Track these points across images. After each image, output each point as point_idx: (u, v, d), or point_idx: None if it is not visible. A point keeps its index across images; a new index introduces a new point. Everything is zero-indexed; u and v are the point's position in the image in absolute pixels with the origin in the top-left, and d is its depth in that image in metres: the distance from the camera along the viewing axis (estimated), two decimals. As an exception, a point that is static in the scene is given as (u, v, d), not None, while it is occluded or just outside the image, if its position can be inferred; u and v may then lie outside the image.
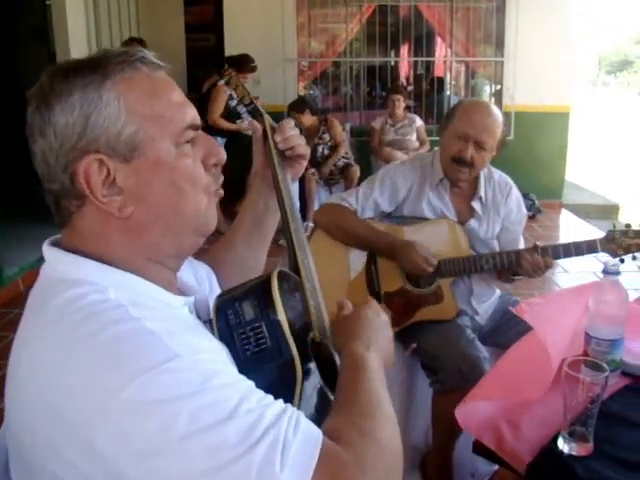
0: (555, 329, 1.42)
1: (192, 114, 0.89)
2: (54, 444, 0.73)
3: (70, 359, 0.73)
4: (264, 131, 1.16)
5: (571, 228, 6.78)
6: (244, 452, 0.68)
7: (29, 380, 0.76)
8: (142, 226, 0.86)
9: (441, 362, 2.14)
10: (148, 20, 7.23)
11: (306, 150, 1.17)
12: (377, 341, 0.99)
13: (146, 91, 0.84)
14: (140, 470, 0.69)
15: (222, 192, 0.96)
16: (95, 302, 0.77)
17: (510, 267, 2.26)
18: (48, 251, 0.88)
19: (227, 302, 0.93)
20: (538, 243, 2.22)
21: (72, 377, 0.72)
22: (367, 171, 6.24)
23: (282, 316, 0.90)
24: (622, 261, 2.12)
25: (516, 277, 2.37)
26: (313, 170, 6.12)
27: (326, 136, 6.29)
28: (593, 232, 6.41)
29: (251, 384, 0.78)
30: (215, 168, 0.94)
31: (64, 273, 0.84)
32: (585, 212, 7.42)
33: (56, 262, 0.86)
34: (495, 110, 2.32)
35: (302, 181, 5.99)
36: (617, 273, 1.42)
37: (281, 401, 0.77)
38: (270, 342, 0.89)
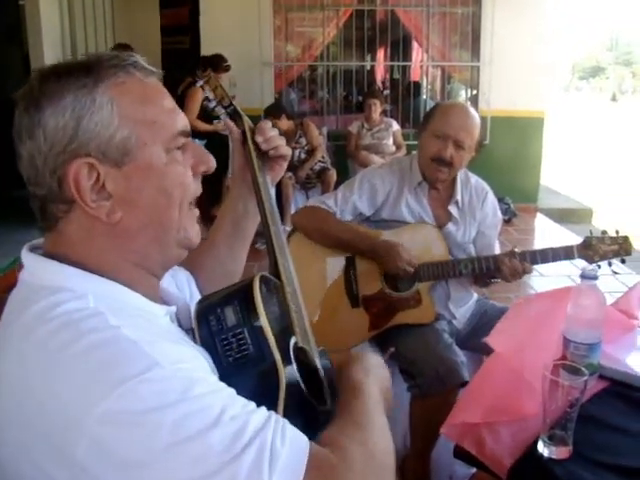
0: (530, 350, 1.43)
1: (183, 121, 0.89)
2: (32, 458, 0.71)
3: (44, 373, 0.71)
4: (243, 133, 1.16)
5: (546, 232, 6.84)
6: (230, 460, 0.67)
7: (3, 395, 0.74)
8: (130, 232, 0.85)
9: (419, 366, 2.14)
10: (123, 22, 7.18)
11: (288, 150, 1.17)
12: (376, 373, 1.00)
13: (139, 96, 0.84)
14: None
15: (197, 211, 0.96)
16: (71, 310, 0.76)
17: (488, 272, 2.27)
18: (27, 257, 0.86)
19: (208, 308, 0.92)
20: (516, 249, 2.24)
21: (46, 391, 0.70)
22: (344, 175, 6.24)
23: (264, 322, 0.88)
24: (599, 267, 2.14)
25: (493, 281, 2.39)
26: (290, 174, 6.11)
27: (302, 140, 6.28)
28: (567, 236, 6.49)
29: (233, 391, 0.76)
30: (201, 176, 0.94)
31: (42, 279, 0.82)
32: (560, 216, 7.50)
33: (35, 268, 0.84)
34: (472, 111, 2.34)
35: (279, 185, 5.97)
36: (595, 277, 1.43)
37: (264, 408, 0.76)
38: (252, 348, 0.87)
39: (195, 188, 0.93)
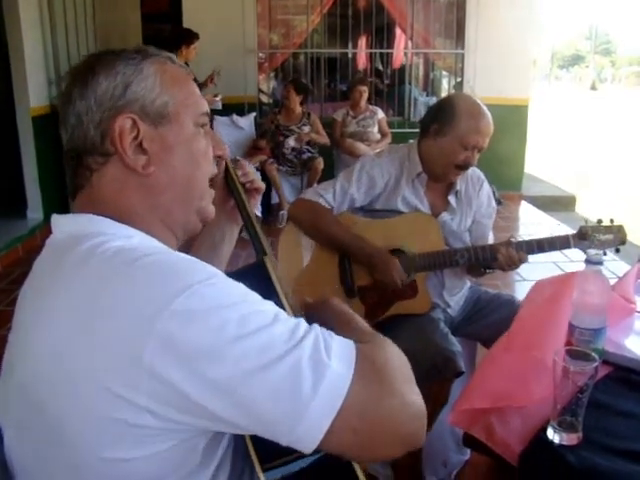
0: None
1: (206, 106, 1.02)
2: (97, 379, 0.74)
3: (109, 283, 0.76)
4: (226, 167, 1.25)
5: (530, 219, 6.88)
6: (293, 347, 0.76)
7: (58, 323, 0.77)
8: (159, 187, 0.94)
9: (415, 356, 2.11)
10: (104, 8, 7.05)
11: (262, 185, 1.32)
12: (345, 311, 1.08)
13: (177, 76, 0.97)
14: (188, 377, 0.72)
15: (213, 192, 1.06)
16: (123, 245, 0.82)
17: (485, 261, 2.26)
18: (57, 219, 0.93)
19: None
20: (512, 239, 2.23)
21: (113, 299, 0.75)
22: (329, 162, 6.23)
23: (284, 300, 0.96)
24: (605, 253, 2.15)
25: (488, 271, 2.38)
26: (272, 160, 6.10)
27: (305, 128, 6.26)
28: (552, 223, 6.54)
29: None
30: (215, 160, 1.07)
31: (80, 230, 0.87)
32: (543, 203, 7.55)
33: (69, 223, 0.91)
34: (486, 108, 2.31)
35: (263, 171, 5.95)
36: (599, 263, 1.42)
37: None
38: None
39: (213, 168, 1.05)
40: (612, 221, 2.19)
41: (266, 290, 0.92)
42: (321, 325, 1.03)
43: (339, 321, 1.00)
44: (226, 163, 1.24)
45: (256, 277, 0.98)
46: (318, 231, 2.32)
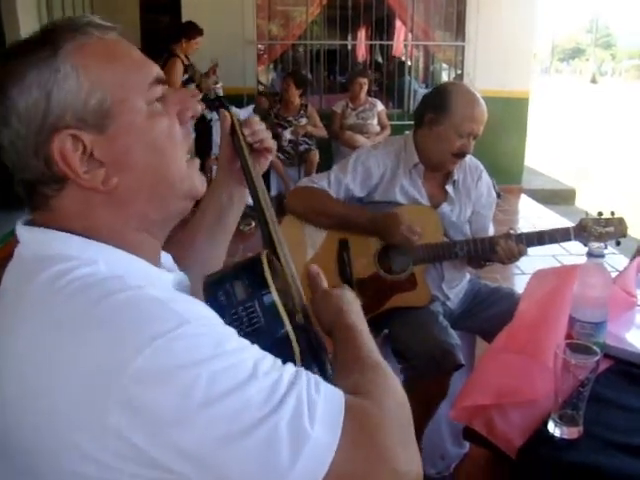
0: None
1: (154, 68, 0.86)
2: (59, 434, 0.68)
3: (67, 336, 0.68)
4: (232, 125, 1.15)
5: (530, 212, 6.87)
6: (270, 412, 0.67)
7: (20, 371, 0.70)
8: (128, 196, 0.82)
9: (414, 349, 2.12)
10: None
11: (273, 144, 1.19)
12: (355, 309, 1.03)
13: (102, 55, 0.80)
14: (155, 443, 0.66)
15: (198, 161, 0.94)
16: (87, 274, 0.73)
17: (484, 253, 2.25)
18: (23, 230, 0.82)
19: (217, 283, 0.91)
20: (512, 231, 2.21)
21: (70, 357, 0.67)
22: (327, 155, 6.21)
23: (275, 295, 0.88)
24: (605, 246, 2.13)
25: (487, 263, 2.37)
26: None
27: (302, 120, 6.23)
28: (551, 216, 6.53)
29: (257, 347, 0.76)
30: (190, 122, 0.92)
31: (43, 249, 0.78)
32: (543, 197, 7.54)
33: (33, 239, 0.81)
34: (479, 95, 2.31)
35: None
36: (601, 256, 1.41)
37: (292, 364, 0.76)
38: (264, 320, 0.87)
39: (186, 136, 0.90)
40: (613, 214, 2.17)
41: (259, 288, 0.89)
42: (326, 329, 1.00)
43: (341, 340, 0.94)
44: (232, 120, 1.14)
45: (253, 273, 0.92)
46: (318, 212, 2.30)
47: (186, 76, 5.85)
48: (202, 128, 5.40)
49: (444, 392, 2.10)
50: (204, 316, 0.75)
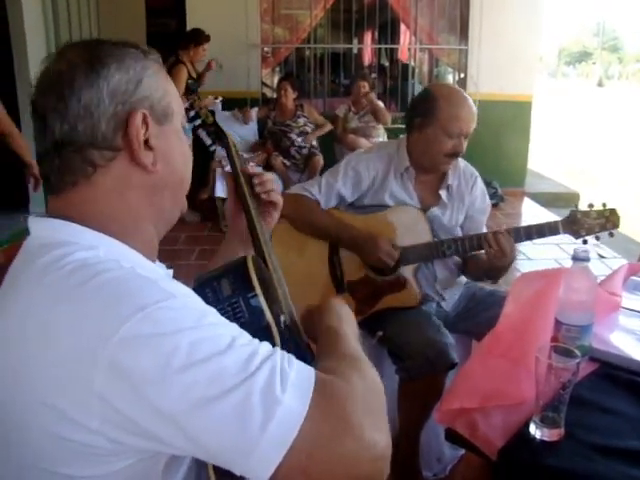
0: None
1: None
2: (45, 398, 0.73)
3: (61, 307, 0.74)
4: (231, 162, 1.25)
5: (533, 216, 6.85)
6: (244, 379, 0.72)
7: (13, 343, 0.77)
8: (160, 185, 0.94)
9: (407, 350, 2.13)
10: (108, 3, 7.05)
11: (280, 199, 1.30)
12: (346, 318, 1.06)
13: (167, 77, 0.97)
14: (136, 404, 0.71)
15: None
16: (84, 257, 0.80)
17: (472, 250, 2.25)
18: (33, 222, 0.90)
19: (205, 282, 0.97)
20: (500, 228, 2.21)
21: (62, 324, 0.73)
22: (330, 159, 6.21)
23: (258, 290, 0.95)
24: (585, 242, 2.12)
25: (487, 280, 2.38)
26: (276, 152, 6.10)
27: (300, 120, 6.24)
28: (555, 220, 6.50)
29: (237, 326, 0.81)
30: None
31: (47, 238, 0.85)
32: (546, 200, 7.51)
33: (40, 229, 0.88)
34: (467, 94, 2.32)
35: (271, 168, 5.95)
36: (587, 259, 1.42)
37: (268, 342, 0.81)
38: (248, 315, 0.93)
39: None
40: (604, 205, 2.13)
41: (244, 285, 0.94)
42: (311, 335, 1.04)
43: (323, 338, 0.98)
44: (236, 172, 1.22)
45: (238, 273, 0.98)
46: (305, 222, 2.34)
47: (189, 82, 5.89)
48: (203, 156, 5.43)
49: (439, 392, 2.10)
50: (189, 295, 0.82)
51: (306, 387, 0.75)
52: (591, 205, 2.15)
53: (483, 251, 2.23)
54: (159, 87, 0.92)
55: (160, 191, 0.94)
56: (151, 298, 0.74)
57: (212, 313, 0.80)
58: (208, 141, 1.36)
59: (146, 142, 0.89)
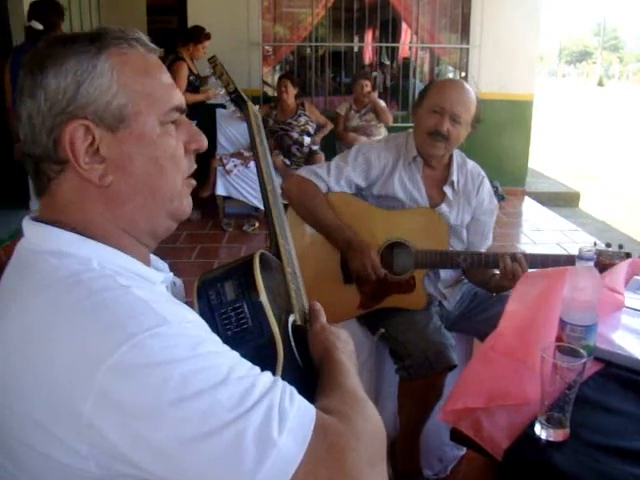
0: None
1: (179, 97, 0.91)
2: (37, 418, 0.71)
3: (54, 328, 0.72)
4: (248, 121, 1.20)
5: (533, 215, 6.86)
6: (239, 416, 0.69)
7: (7, 358, 0.74)
8: (120, 197, 0.86)
9: (408, 349, 2.13)
10: (109, 0, 7.05)
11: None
12: (347, 349, 1.02)
13: (139, 68, 0.86)
14: (125, 436, 0.68)
15: (194, 182, 0.97)
16: (78, 272, 0.77)
17: (486, 266, 2.26)
18: (27, 225, 0.87)
19: (209, 283, 0.94)
20: (519, 253, 2.20)
21: (56, 346, 0.70)
22: (332, 157, 6.17)
23: (264, 297, 0.91)
24: (595, 244, 2.14)
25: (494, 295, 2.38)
26: (277, 151, 6.09)
27: (301, 119, 6.23)
28: (555, 219, 6.52)
29: (237, 354, 0.78)
30: (194, 154, 0.96)
31: (42, 245, 0.83)
32: (547, 199, 7.53)
33: (33, 234, 0.85)
34: (468, 86, 2.33)
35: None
36: (591, 259, 1.41)
37: (269, 373, 0.77)
38: (251, 322, 0.90)
39: (188, 164, 0.94)
40: (621, 247, 2.12)
41: (249, 290, 0.91)
42: (317, 361, 1.00)
43: (328, 371, 0.94)
44: (254, 145, 1.19)
45: (244, 275, 0.94)
46: (306, 209, 2.32)
47: (191, 78, 5.89)
48: (204, 155, 5.43)
49: (439, 392, 2.10)
50: (186, 319, 0.77)
51: (306, 429, 0.72)
52: (609, 244, 2.15)
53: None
54: (111, 87, 0.83)
55: (122, 204, 0.87)
56: (145, 323, 0.71)
57: (209, 340, 0.76)
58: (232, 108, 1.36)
59: (97, 151, 0.83)
